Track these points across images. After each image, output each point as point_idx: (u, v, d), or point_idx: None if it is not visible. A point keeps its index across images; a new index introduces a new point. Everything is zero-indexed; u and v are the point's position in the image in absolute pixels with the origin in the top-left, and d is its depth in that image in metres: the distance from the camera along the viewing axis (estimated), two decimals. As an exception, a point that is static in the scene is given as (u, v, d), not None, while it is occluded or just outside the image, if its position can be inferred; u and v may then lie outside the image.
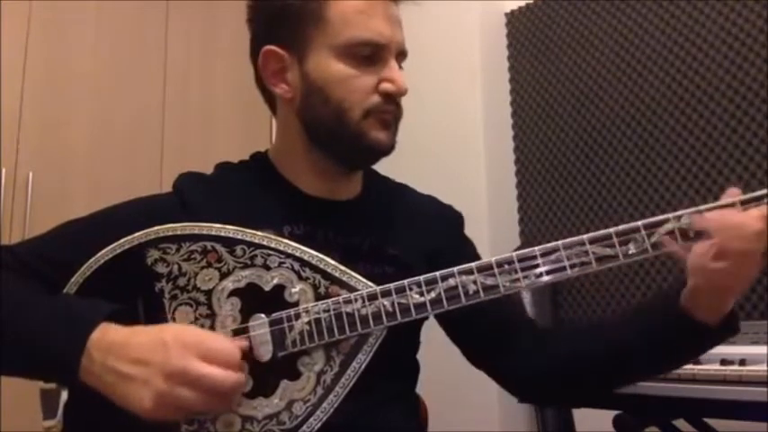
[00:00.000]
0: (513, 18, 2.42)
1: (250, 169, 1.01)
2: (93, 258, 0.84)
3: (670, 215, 0.77)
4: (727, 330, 0.85)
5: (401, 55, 0.95)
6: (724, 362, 1.13)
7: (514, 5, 2.42)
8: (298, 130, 0.96)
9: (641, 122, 2.04)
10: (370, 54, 0.90)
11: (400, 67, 0.95)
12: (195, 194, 0.95)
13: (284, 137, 0.99)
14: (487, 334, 1.02)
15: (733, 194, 0.78)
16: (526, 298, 2.11)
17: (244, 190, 0.97)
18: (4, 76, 2.16)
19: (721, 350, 1.24)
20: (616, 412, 1.48)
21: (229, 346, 0.75)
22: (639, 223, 0.78)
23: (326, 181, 0.97)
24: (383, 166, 1.00)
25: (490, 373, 1.04)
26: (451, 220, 1.10)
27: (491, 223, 2.22)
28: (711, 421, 1.43)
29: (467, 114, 2.31)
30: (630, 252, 0.77)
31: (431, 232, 1.03)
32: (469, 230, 1.11)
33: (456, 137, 2.31)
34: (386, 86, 0.90)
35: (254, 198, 0.96)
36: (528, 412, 2.13)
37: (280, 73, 0.94)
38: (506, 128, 2.37)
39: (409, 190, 1.10)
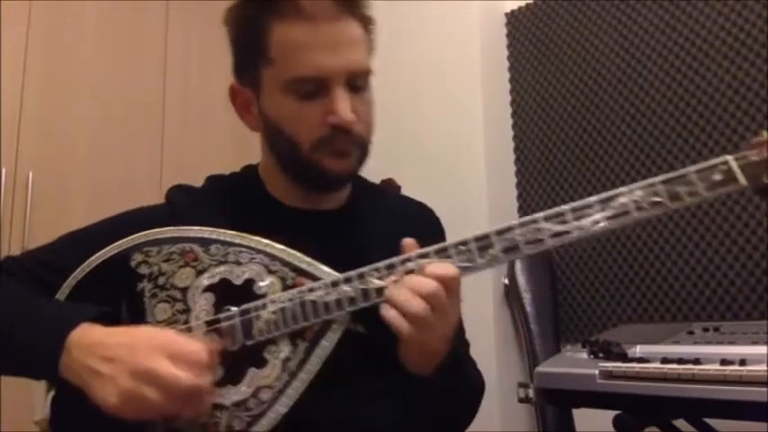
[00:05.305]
0: (513, 18, 2.42)
1: (238, 183, 1.06)
2: (86, 263, 0.89)
3: (624, 189, 0.80)
4: (442, 376, 0.87)
5: (359, 77, 0.93)
6: (724, 362, 1.12)
7: (514, 5, 2.42)
8: (270, 155, 1.01)
9: (641, 122, 2.04)
10: (314, 89, 0.91)
11: (360, 87, 0.94)
12: (185, 206, 0.99)
13: (265, 157, 1.04)
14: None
15: (410, 245, 0.82)
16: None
17: (230, 203, 1.00)
18: (4, 76, 2.16)
19: (721, 350, 1.24)
20: (616, 412, 1.48)
21: (197, 347, 0.76)
22: (594, 198, 0.80)
23: (307, 195, 1.01)
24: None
25: None
26: (436, 233, 1.10)
27: (491, 223, 2.21)
28: (711, 421, 1.43)
29: (467, 114, 2.31)
30: (584, 224, 0.80)
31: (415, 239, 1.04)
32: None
33: (456, 137, 2.30)
34: (330, 119, 0.91)
35: (239, 212, 0.98)
36: (528, 412, 2.13)
37: (246, 106, 0.99)
38: (506, 128, 2.37)
39: (393, 195, 1.13)
